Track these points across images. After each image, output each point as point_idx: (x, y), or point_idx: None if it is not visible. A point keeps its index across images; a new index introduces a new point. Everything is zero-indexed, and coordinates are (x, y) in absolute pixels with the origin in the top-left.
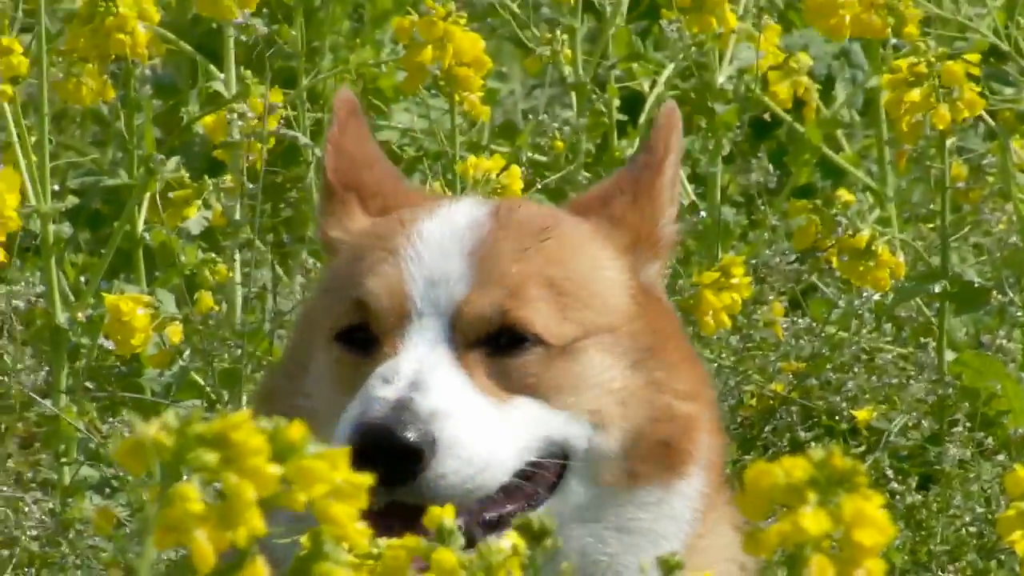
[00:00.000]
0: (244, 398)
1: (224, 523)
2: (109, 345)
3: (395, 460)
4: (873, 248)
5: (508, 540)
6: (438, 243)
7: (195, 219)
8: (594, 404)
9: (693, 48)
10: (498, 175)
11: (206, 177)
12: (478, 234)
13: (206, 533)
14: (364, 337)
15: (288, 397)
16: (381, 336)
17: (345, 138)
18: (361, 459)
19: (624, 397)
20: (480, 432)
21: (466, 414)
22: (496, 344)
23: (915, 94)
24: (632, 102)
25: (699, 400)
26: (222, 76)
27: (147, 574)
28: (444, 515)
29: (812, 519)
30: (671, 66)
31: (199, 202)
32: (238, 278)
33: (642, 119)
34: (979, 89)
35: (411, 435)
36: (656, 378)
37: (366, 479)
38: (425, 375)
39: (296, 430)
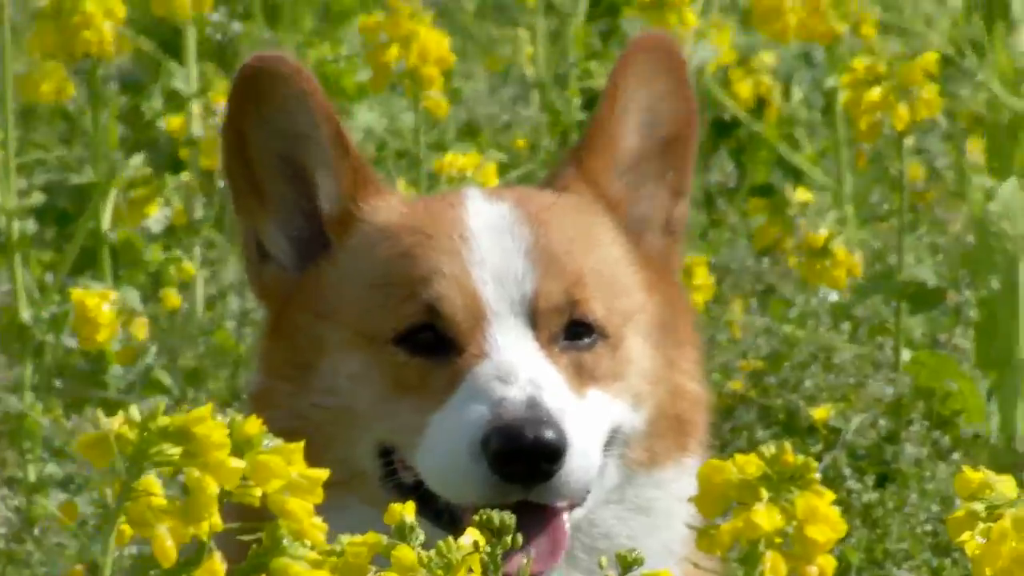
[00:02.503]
0: (207, 396)
1: (187, 517)
2: (74, 343)
3: (536, 459)
4: (830, 247)
5: (469, 536)
6: (495, 241)
7: (156, 217)
8: (635, 388)
9: None
10: (473, 172)
11: (166, 175)
12: (525, 229)
13: (168, 527)
14: (431, 339)
15: (291, 399)
16: (458, 339)
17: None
18: (501, 460)
19: (652, 378)
20: (587, 429)
21: (576, 411)
22: (567, 337)
23: (874, 93)
24: (593, 101)
25: (700, 378)
26: (182, 72)
27: (110, 569)
28: (405, 511)
29: (765, 515)
30: None
31: (160, 200)
32: (199, 276)
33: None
34: (937, 89)
35: (551, 434)
36: (670, 357)
37: (322, 474)
38: (537, 373)
39: (252, 424)
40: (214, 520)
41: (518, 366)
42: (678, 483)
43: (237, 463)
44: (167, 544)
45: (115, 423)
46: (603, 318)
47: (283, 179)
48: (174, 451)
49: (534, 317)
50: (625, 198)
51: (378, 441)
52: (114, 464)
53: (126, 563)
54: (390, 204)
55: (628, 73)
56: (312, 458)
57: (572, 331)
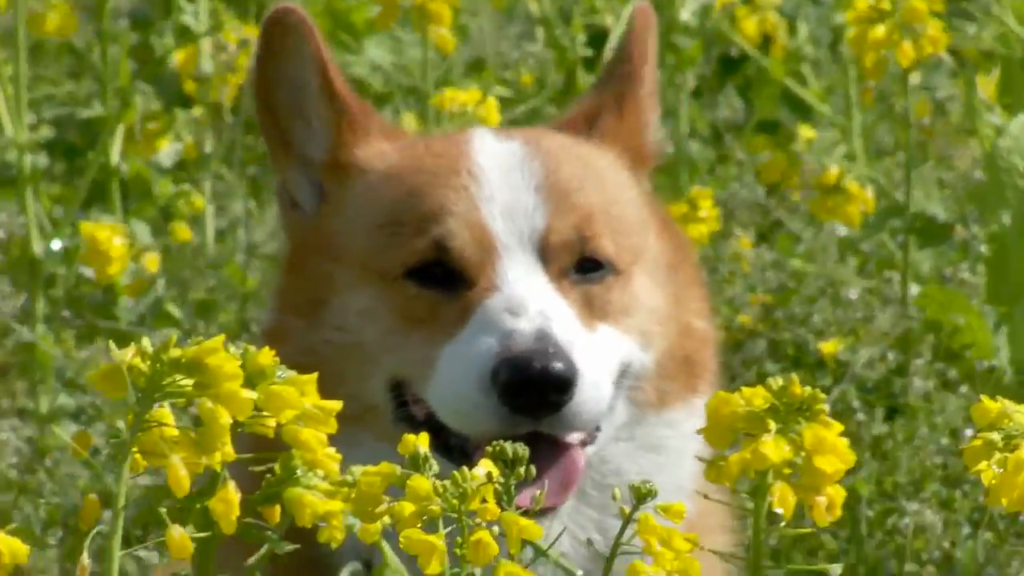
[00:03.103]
0: (217, 327)
1: (200, 448)
2: (88, 273)
3: (545, 390)
4: (843, 184)
5: (482, 467)
6: (504, 177)
7: (167, 151)
8: (644, 326)
9: None
10: (474, 108)
11: (177, 110)
12: (536, 166)
13: (181, 457)
14: (441, 274)
15: (303, 335)
16: (468, 273)
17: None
18: (510, 391)
19: (660, 317)
20: (597, 361)
21: (586, 344)
22: (578, 271)
23: (879, 31)
24: (598, 38)
25: (708, 317)
26: (191, 9)
27: (124, 498)
28: (419, 442)
29: (773, 446)
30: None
31: (171, 134)
32: (209, 210)
33: (606, 54)
34: (942, 26)
35: (560, 365)
36: (678, 296)
37: (335, 404)
38: (546, 306)
39: (265, 356)
40: (227, 451)
41: (528, 299)
42: (688, 422)
43: (249, 394)
44: (180, 474)
45: (128, 355)
46: (613, 254)
47: (297, 126)
48: (187, 382)
49: (544, 251)
50: (652, 153)
51: (390, 375)
52: (128, 396)
53: (136, 493)
54: (392, 145)
55: (647, 29)
56: (324, 394)
57: (582, 266)
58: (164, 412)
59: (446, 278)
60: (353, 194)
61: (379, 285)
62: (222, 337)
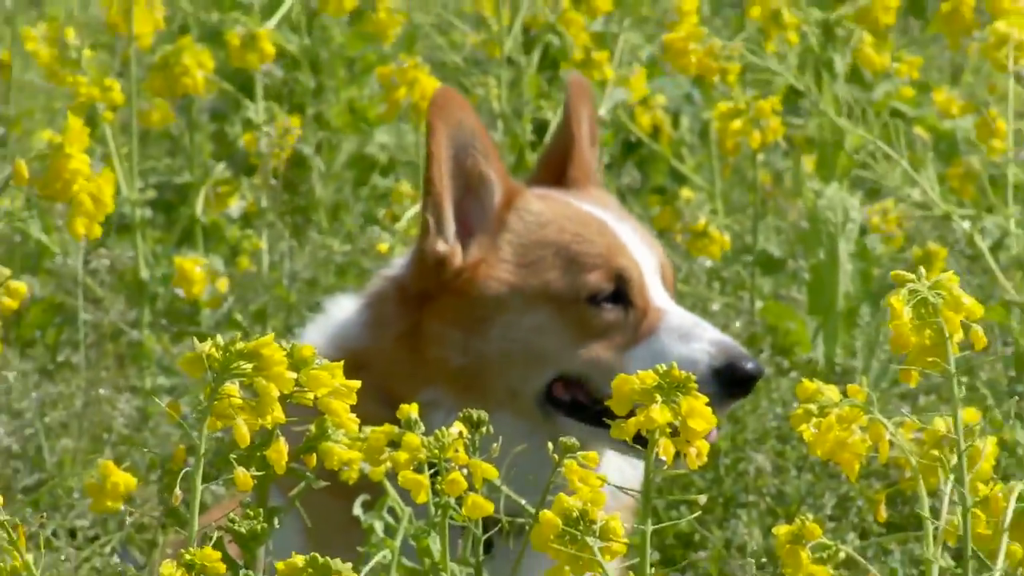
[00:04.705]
0: (269, 329)
1: (256, 413)
2: (179, 292)
3: (754, 383)
4: (708, 230)
5: (455, 427)
6: (622, 224)
7: (235, 207)
8: None
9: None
10: None
11: (243, 177)
12: (625, 218)
13: (244, 419)
14: (614, 298)
15: (467, 342)
16: (635, 296)
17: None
18: (735, 383)
19: None
20: None
21: None
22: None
23: (736, 123)
24: (541, 127)
25: None
26: (254, 107)
27: (204, 446)
28: (410, 410)
29: (659, 412)
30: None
31: (238, 195)
32: (265, 248)
33: (547, 139)
34: (780, 120)
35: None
36: None
37: (355, 383)
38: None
39: (307, 349)
40: (278, 415)
41: (695, 318)
42: None
43: (291, 374)
44: (244, 431)
45: (206, 347)
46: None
47: (458, 177)
48: (247, 366)
49: (663, 280)
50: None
51: (557, 373)
52: (206, 376)
53: (213, 445)
54: (537, 196)
55: (579, 96)
56: (480, 384)
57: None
58: (232, 388)
59: (617, 301)
60: (521, 237)
61: (554, 307)
62: (272, 335)
